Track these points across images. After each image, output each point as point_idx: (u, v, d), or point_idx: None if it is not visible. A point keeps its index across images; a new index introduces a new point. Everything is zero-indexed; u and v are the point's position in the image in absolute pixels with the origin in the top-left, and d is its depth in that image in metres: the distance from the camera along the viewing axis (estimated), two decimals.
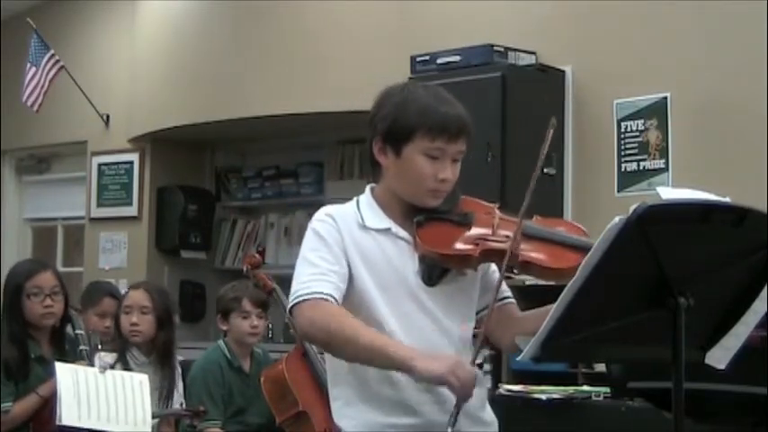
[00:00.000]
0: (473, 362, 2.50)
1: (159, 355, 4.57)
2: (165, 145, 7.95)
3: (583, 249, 2.48)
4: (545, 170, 5.44)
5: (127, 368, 4.44)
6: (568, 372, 5.07)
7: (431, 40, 5.94)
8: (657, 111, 5.44)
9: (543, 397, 4.51)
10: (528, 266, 2.54)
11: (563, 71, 5.71)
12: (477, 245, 2.55)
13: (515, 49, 5.66)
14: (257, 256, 5.03)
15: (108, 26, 8.41)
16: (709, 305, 2.26)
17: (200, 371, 4.78)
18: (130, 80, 7.93)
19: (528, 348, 2.18)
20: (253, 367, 4.85)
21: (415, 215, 2.60)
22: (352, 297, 2.55)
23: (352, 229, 2.59)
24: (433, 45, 5.82)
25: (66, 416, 3.94)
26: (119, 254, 8.13)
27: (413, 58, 5.77)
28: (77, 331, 4.37)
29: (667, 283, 2.15)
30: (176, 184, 7.95)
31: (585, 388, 4.66)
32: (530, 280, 4.43)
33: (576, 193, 5.66)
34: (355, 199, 2.68)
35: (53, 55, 7.76)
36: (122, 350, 4.55)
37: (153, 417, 4.19)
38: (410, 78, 5.43)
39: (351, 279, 2.56)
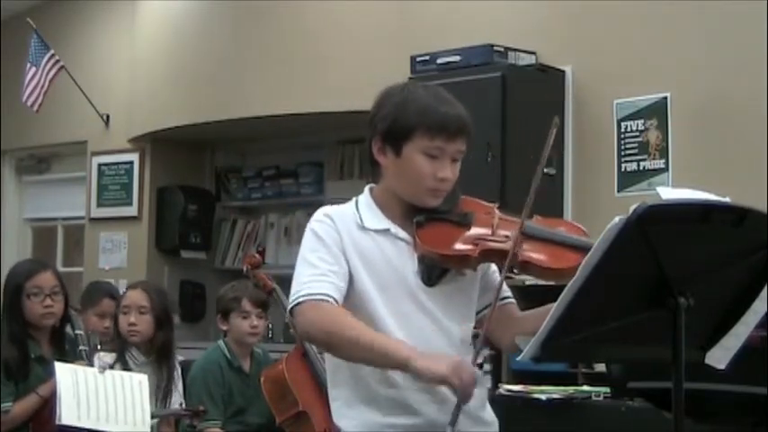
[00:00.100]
0: (474, 362, 2.50)
1: (158, 355, 4.57)
2: (165, 145, 7.95)
3: (583, 249, 2.47)
4: (545, 170, 5.44)
5: (126, 368, 4.44)
6: (568, 372, 5.07)
7: (431, 40, 5.94)
8: (657, 111, 5.44)
9: (543, 397, 4.51)
10: (528, 266, 2.54)
11: (563, 71, 5.71)
12: (476, 245, 2.55)
13: (515, 49, 5.66)
14: (257, 256, 5.03)
15: (108, 26, 8.41)
16: (709, 305, 2.26)
17: (200, 371, 4.78)
18: (130, 80, 7.94)
19: (528, 348, 2.18)
20: (253, 367, 4.85)
21: (415, 215, 2.60)
22: (351, 298, 2.55)
23: (350, 230, 2.59)
24: (433, 45, 5.82)
25: (66, 415, 3.94)
26: (119, 254, 8.13)
27: (413, 58, 5.77)
28: (77, 331, 4.37)
29: (667, 283, 2.15)
30: (176, 184, 7.95)
31: (585, 388, 4.66)
32: (530, 280, 4.43)
33: (576, 193, 5.66)
34: (354, 199, 2.68)
35: (53, 55, 7.76)
36: (121, 350, 4.55)
37: (152, 417, 4.19)
38: (410, 78, 5.43)
39: (350, 279, 2.55)
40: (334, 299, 2.50)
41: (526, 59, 5.68)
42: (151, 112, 7.69)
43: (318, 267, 2.53)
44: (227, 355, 4.82)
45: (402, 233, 2.60)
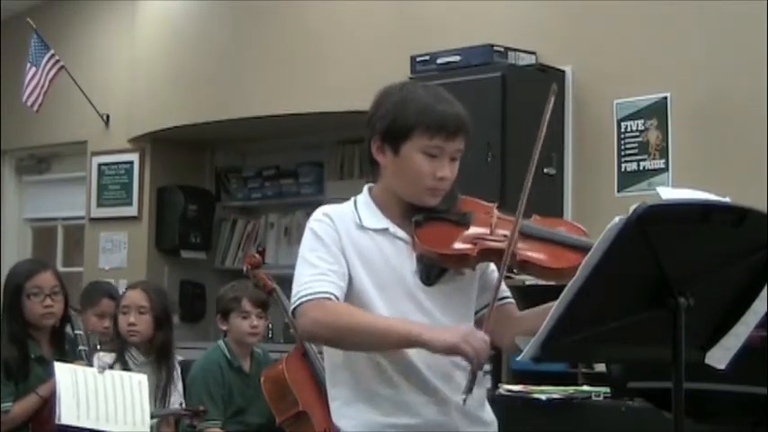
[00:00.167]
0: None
1: (158, 355, 4.57)
2: (165, 145, 7.95)
3: (582, 249, 2.47)
4: (545, 170, 5.44)
5: (126, 368, 4.44)
6: (568, 372, 5.07)
7: (431, 40, 5.94)
8: (657, 111, 5.44)
9: (543, 397, 4.51)
10: (526, 266, 2.54)
11: (563, 71, 5.71)
12: (475, 244, 2.55)
13: (515, 49, 5.66)
14: (257, 256, 5.03)
15: (108, 26, 8.41)
16: (709, 305, 2.26)
17: (200, 371, 4.78)
18: (130, 80, 7.94)
19: (528, 348, 2.18)
20: (253, 367, 4.85)
21: (414, 215, 2.60)
22: (350, 297, 2.55)
23: (349, 229, 2.59)
24: (433, 45, 5.82)
25: (66, 415, 3.94)
26: (119, 254, 8.13)
27: (413, 58, 5.77)
28: (77, 331, 4.37)
29: (667, 283, 2.15)
30: (176, 184, 7.95)
31: (585, 388, 4.66)
32: (530, 280, 4.42)
33: (576, 193, 5.66)
34: (353, 199, 2.68)
35: (53, 55, 7.76)
36: (121, 350, 4.55)
37: (152, 417, 4.19)
38: (410, 78, 5.43)
39: (349, 279, 2.56)
40: (336, 297, 2.51)
41: (526, 59, 5.68)
42: (151, 112, 7.69)
43: (318, 267, 2.53)
44: (227, 355, 4.82)
45: (401, 232, 2.60)
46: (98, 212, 8.30)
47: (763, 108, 5.03)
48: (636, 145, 5.49)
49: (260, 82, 6.88)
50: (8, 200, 9.37)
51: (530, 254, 2.53)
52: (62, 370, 4.04)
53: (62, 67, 7.77)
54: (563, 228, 2.64)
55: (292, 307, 2.54)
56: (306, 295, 2.50)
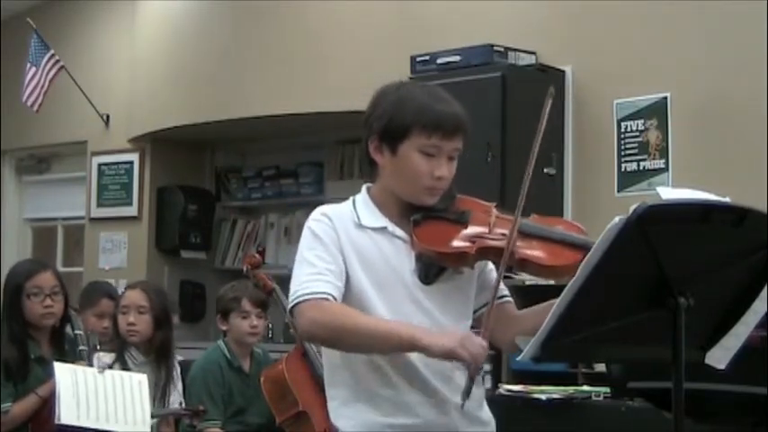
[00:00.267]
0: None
1: (157, 355, 4.57)
2: (165, 145, 7.95)
3: (580, 247, 2.48)
4: (545, 170, 5.44)
5: (125, 368, 4.44)
6: (568, 372, 5.06)
7: (431, 40, 5.94)
8: (657, 111, 5.44)
9: (543, 397, 4.51)
10: (525, 264, 2.54)
11: (563, 71, 5.71)
12: (473, 243, 2.55)
13: (515, 49, 5.66)
14: (257, 256, 5.03)
15: (108, 26, 8.41)
16: (710, 305, 2.26)
17: (200, 371, 4.78)
18: (130, 80, 7.94)
19: (528, 348, 2.18)
20: (253, 367, 4.85)
21: (412, 214, 2.60)
22: (348, 296, 2.55)
23: (348, 228, 2.59)
24: (433, 45, 5.82)
25: (66, 415, 3.94)
26: (119, 254, 8.13)
27: (413, 58, 5.77)
28: (77, 331, 4.37)
29: (667, 283, 2.15)
30: (176, 184, 7.95)
31: (585, 388, 4.66)
32: (530, 280, 4.43)
33: (576, 193, 5.66)
34: (351, 198, 2.68)
35: (53, 55, 7.76)
36: (120, 350, 4.55)
37: (152, 416, 4.19)
38: (410, 78, 5.43)
39: (347, 278, 2.56)
40: (333, 297, 2.51)
41: (526, 59, 5.68)
42: (151, 112, 7.69)
43: (316, 266, 2.53)
44: (227, 355, 4.82)
45: (399, 231, 2.60)
46: (98, 212, 8.30)
47: (763, 108, 5.03)
48: (636, 145, 5.49)
49: (260, 82, 6.88)
50: (8, 200, 9.37)
51: (528, 252, 2.53)
52: (62, 370, 4.04)
53: (62, 67, 7.77)
54: (561, 226, 2.65)
55: (290, 306, 2.54)
56: (303, 295, 2.50)
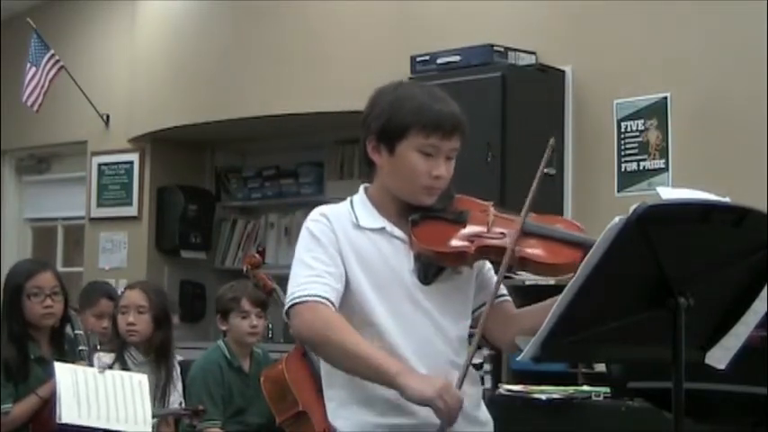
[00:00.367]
0: (468, 363, 2.50)
1: (157, 355, 4.57)
2: (165, 145, 7.95)
3: (578, 245, 2.49)
4: (545, 170, 5.44)
5: (125, 368, 4.43)
6: (568, 372, 5.06)
7: (431, 40, 5.94)
8: (657, 111, 5.44)
9: (543, 397, 4.51)
10: (525, 262, 2.54)
11: (563, 71, 5.71)
12: (472, 242, 2.55)
13: (515, 49, 5.66)
14: (257, 256, 5.03)
15: (108, 26, 8.41)
16: (710, 305, 2.26)
17: (200, 371, 4.78)
18: (130, 80, 7.93)
19: (528, 348, 2.18)
20: (252, 367, 4.85)
21: (410, 214, 2.60)
22: (347, 297, 2.55)
23: (346, 229, 2.59)
24: (433, 45, 5.82)
25: (67, 414, 3.94)
26: (119, 254, 8.13)
27: (413, 58, 5.77)
28: (77, 331, 4.37)
29: (667, 283, 2.15)
30: (176, 184, 7.95)
31: (585, 388, 4.66)
32: (530, 280, 4.43)
33: (576, 193, 5.66)
34: (349, 199, 2.68)
35: (53, 55, 7.76)
36: (120, 350, 4.55)
37: (153, 416, 4.18)
38: (410, 78, 5.43)
39: (346, 279, 2.55)
40: (330, 301, 2.50)
41: (526, 59, 5.68)
42: (151, 112, 7.69)
43: (314, 268, 2.53)
44: (227, 355, 4.82)
45: (398, 231, 2.60)
46: (98, 212, 8.30)
47: (763, 108, 5.03)
48: (636, 145, 5.49)
49: (260, 82, 6.88)
50: (8, 200, 9.37)
51: (528, 250, 2.53)
52: (62, 369, 4.04)
53: (62, 67, 7.77)
54: (559, 225, 2.65)
55: (286, 307, 2.53)
56: (300, 297, 2.50)
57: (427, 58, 5.72)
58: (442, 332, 2.59)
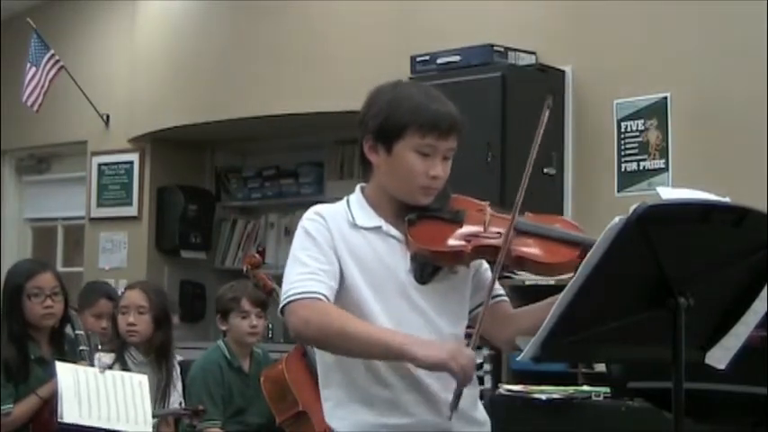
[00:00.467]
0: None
1: (157, 355, 4.57)
2: (165, 145, 7.95)
3: (576, 244, 2.49)
4: (545, 170, 5.44)
5: (125, 368, 4.44)
6: (568, 372, 5.06)
7: (431, 40, 5.94)
8: (657, 111, 5.44)
9: (543, 397, 4.51)
10: (522, 262, 2.54)
11: (563, 71, 5.71)
12: (469, 241, 2.55)
13: (515, 49, 5.66)
14: (257, 256, 5.03)
15: (108, 26, 8.41)
16: (710, 305, 2.26)
17: (200, 371, 4.78)
18: (130, 80, 7.94)
19: (528, 348, 2.18)
20: (252, 367, 4.85)
21: (407, 213, 2.60)
22: (343, 296, 2.55)
23: (342, 228, 2.59)
24: (433, 45, 5.82)
25: (68, 414, 3.94)
26: (119, 254, 8.13)
27: (413, 58, 5.77)
28: (77, 332, 4.36)
29: (667, 283, 2.15)
30: (176, 184, 7.95)
31: (585, 388, 4.66)
32: (529, 280, 4.44)
33: (576, 193, 5.66)
34: (345, 198, 2.68)
35: (53, 55, 7.76)
36: (120, 350, 4.55)
37: (153, 416, 4.18)
38: (410, 78, 5.43)
39: (341, 278, 2.55)
40: (326, 297, 2.50)
41: (526, 59, 5.68)
42: (151, 112, 7.69)
43: (309, 266, 2.53)
44: (227, 355, 4.82)
45: (394, 231, 2.61)
46: (98, 212, 8.30)
47: (763, 108, 5.03)
48: (636, 145, 5.49)
49: (260, 82, 6.88)
50: (8, 200, 9.37)
51: (525, 249, 2.53)
52: (63, 369, 4.04)
53: (62, 67, 7.78)
54: (557, 224, 2.65)
55: (281, 305, 2.53)
56: (295, 294, 2.50)
57: (427, 58, 5.72)
58: (436, 331, 2.58)
